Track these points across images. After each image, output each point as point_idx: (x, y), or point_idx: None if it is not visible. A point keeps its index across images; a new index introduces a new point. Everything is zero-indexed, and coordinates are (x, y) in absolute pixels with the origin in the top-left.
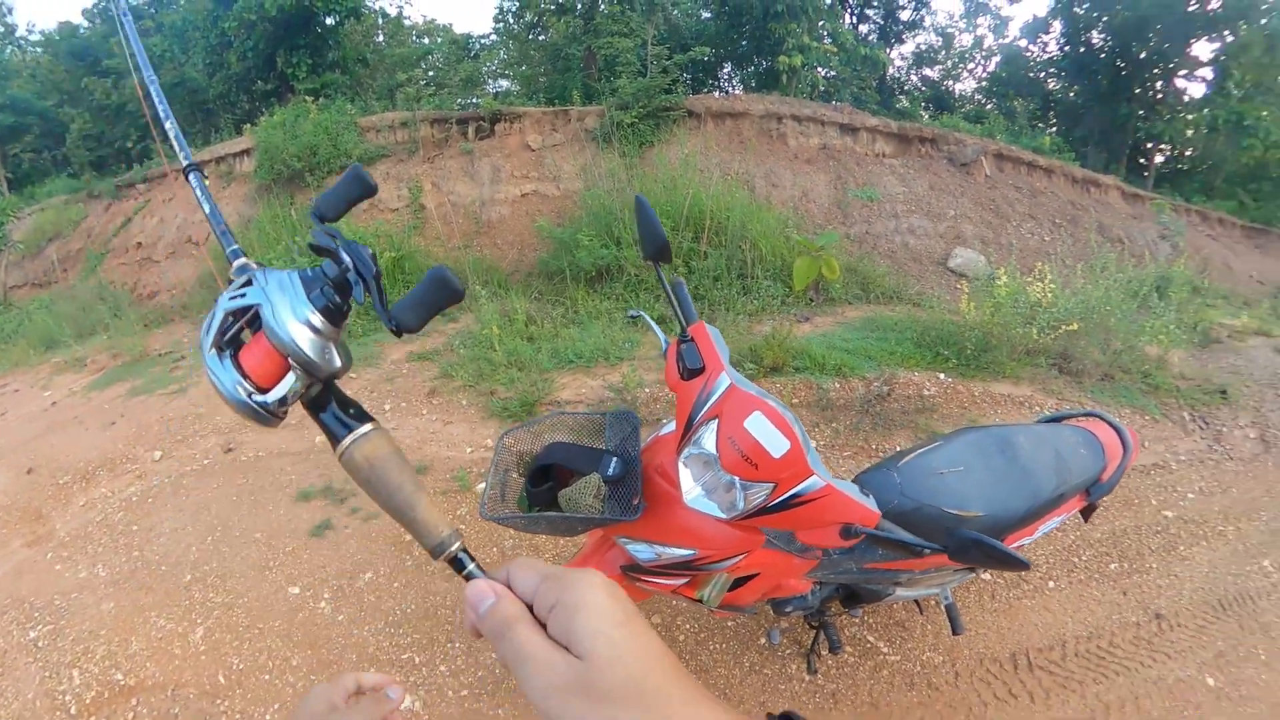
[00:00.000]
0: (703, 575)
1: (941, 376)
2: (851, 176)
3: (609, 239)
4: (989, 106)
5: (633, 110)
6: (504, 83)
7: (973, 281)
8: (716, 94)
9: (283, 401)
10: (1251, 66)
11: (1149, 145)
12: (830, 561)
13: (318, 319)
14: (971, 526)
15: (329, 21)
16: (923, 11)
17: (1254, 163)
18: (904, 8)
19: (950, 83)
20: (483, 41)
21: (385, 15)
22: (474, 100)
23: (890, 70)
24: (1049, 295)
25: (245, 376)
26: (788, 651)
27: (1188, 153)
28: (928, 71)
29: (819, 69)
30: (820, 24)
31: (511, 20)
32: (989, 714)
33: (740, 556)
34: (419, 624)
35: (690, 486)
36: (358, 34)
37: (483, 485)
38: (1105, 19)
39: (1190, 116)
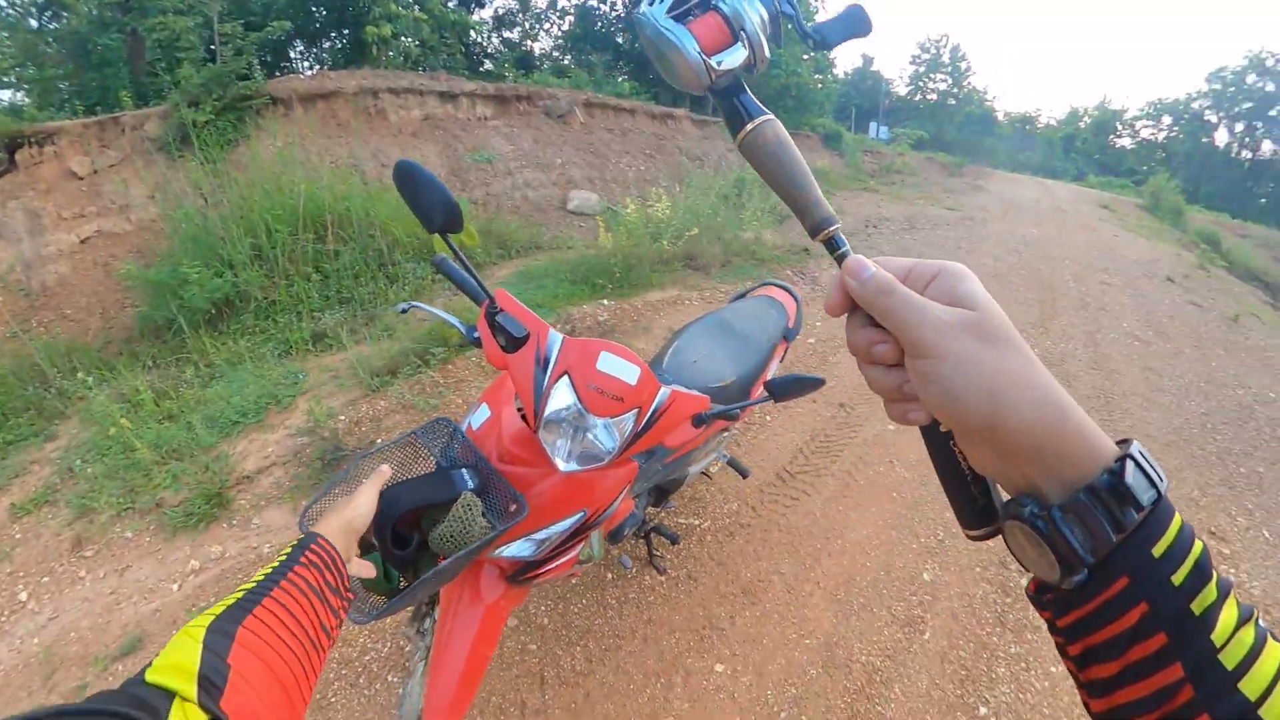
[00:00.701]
0: (586, 537)
1: (606, 302)
2: (460, 143)
3: (219, 264)
4: (568, 62)
5: (206, 105)
6: (6, 95)
7: (593, 217)
8: (303, 75)
9: (720, 68)
10: None
11: None
12: (643, 472)
13: (765, 14)
14: (732, 388)
15: None
16: None
17: (780, 86)
18: None
19: (530, 43)
20: None
21: None
22: None
23: (473, 35)
24: (667, 213)
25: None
26: (634, 570)
27: None
28: (509, 34)
29: (407, 38)
30: None
31: (5, 5)
32: (789, 519)
33: (625, 491)
34: None
35: (561, 451)
36: None
37: None
38: None
39: None
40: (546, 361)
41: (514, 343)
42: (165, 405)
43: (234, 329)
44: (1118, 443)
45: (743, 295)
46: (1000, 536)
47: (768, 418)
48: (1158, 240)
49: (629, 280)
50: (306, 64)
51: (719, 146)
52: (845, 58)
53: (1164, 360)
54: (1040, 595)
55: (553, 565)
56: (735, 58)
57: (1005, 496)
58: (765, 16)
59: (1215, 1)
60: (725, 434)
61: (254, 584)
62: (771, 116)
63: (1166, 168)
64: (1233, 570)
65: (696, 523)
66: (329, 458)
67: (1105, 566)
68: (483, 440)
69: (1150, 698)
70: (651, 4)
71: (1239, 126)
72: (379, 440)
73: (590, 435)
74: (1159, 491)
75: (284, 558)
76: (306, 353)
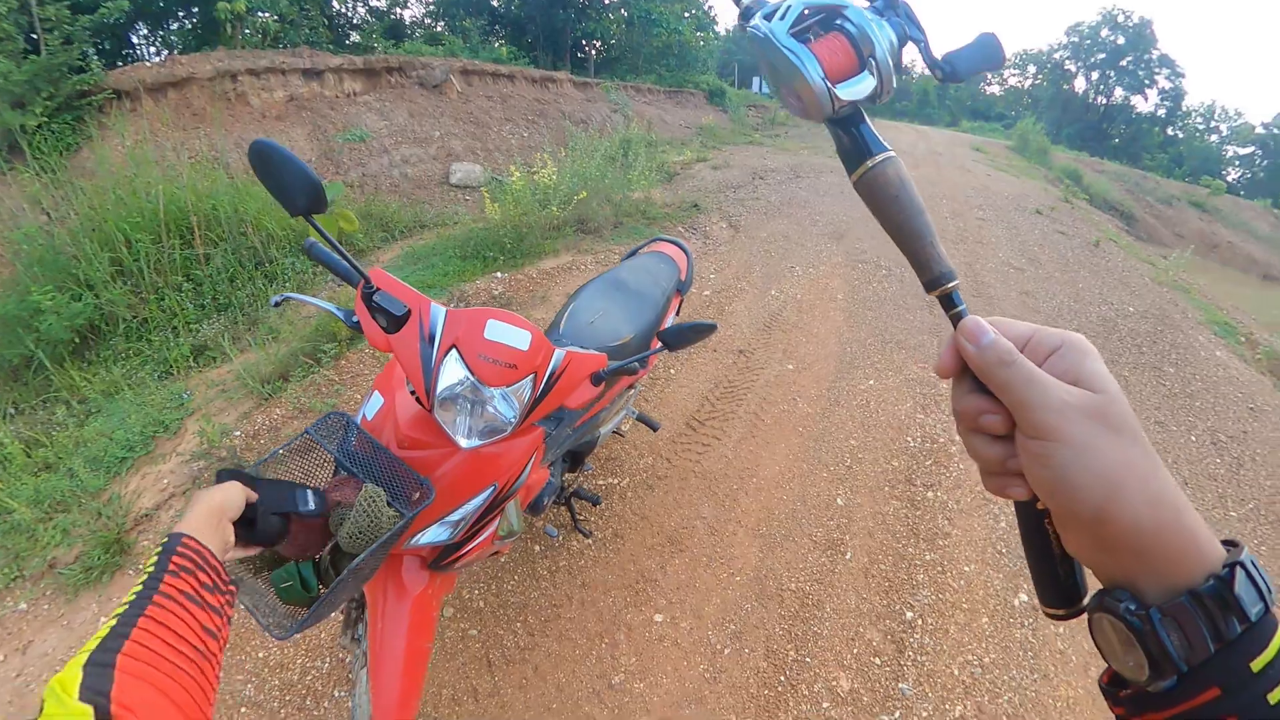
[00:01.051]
0: (501, 511)
1: (499, 275)
2: (330, 123)
3: (76, 285)
4: (441, 28)
5: (35, 106)
6: None
7: (478, 189)
8: (149, 62)
9: (845, 98)
10: None
11: (585, 42)
12: (553, 439)
13: (894, 38)
14: (630, 345)
15: None
16: None
17: (662, 45)
18: None
19: (399, 10)
20: None
21: None
22: None
23: (336, 5)
24: (553, 178)
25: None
26: (561, 539)
27: (614, 43)
28: (376, 2)
29: (264, 13)
30: None
31: None
32: (704, 464)
33: (533, 459)
34: None
35: (461, 428)
36: None
37: None
38: None
39: (613, 16)
40: (432, 337)
41: (395, 322)
42: (39, 454)
43: (104, 356)
44: (1224, 543)
45: (634, 253)
46: (1080, 617)
47: (671, 371)
48: (1026, 178)
49: (521, 250)
50: (152, 49)
51: (602, 109)
52: (725, 14)
53: (1037, 284)
54: (1114, 689)
55: (473, 545)
56: (863, 87)
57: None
58: (894, 41)
59: None
60: (631, 391)
61: (124, 607)
62: (893, 153)
63: (1032, 112)
64: None
65: (615, 481)
66: (230, 478)
67: (1196, 673)
68: (379, 429)
69: None
70: (769, 18)
71: (1094, 75)
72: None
73: (489, 407)
74: (1266, 604)
75: (150, 570)
76: (189, 369)
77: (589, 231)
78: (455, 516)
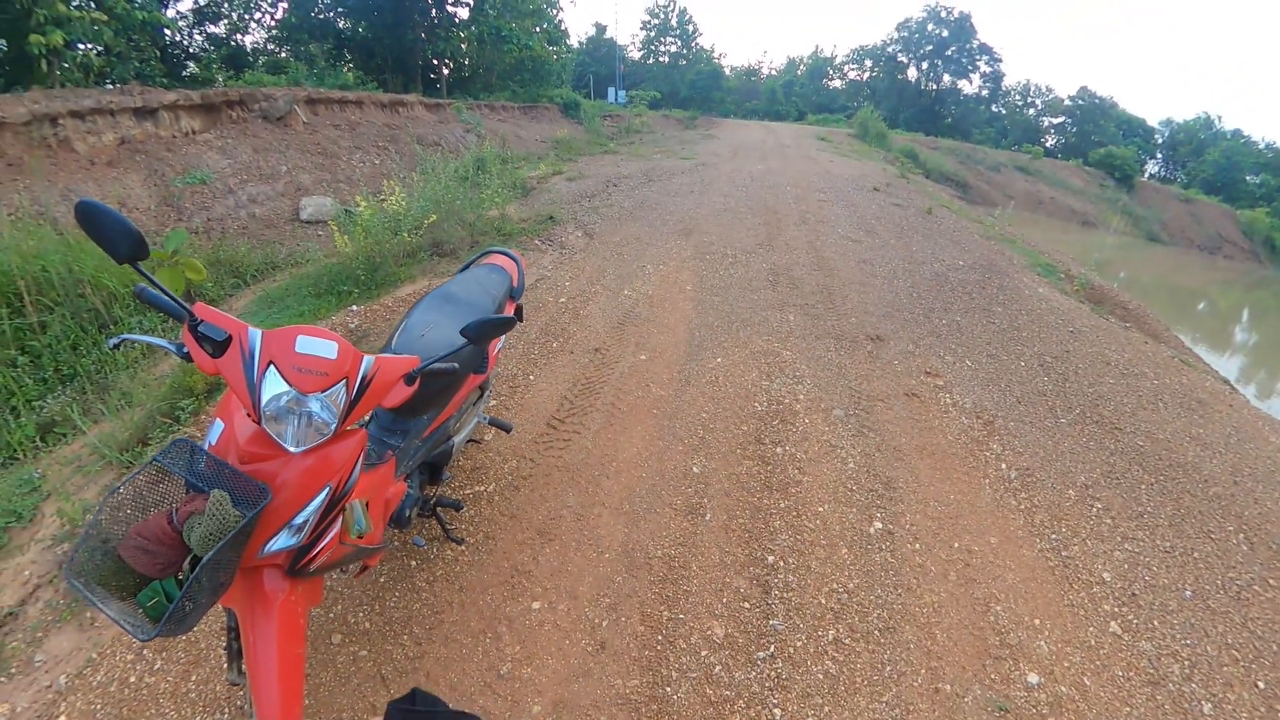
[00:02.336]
0: (341, 510)
1: (355, 308)
2: (168, 165)
3: None
4: (285, 55)
5: None
6: None
7: (332, 222)
8: None
9: None
10: None
11: (436, 62)
12: (403, 452)
13: None
14: (463, 353)
15: None
16: None
17: (514, 61)
18: None
19: (240, 37)
20: None
21: None
22: None
23: (169, 34)
24: (402, 204)
25: None
26: (434, 550)
27: (466, 62)
28: (213, 29)
29: (85, 46)
30: None
31: None
32: (565, 458)
33: (360, 459)
34: None
35: (289, 436)
36: None
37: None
38: None
39: (463, 34)
40: (252, 357)
41: (219, 347)
42: None
43: None
44: None
45: (467, 267)
46: None
47: (531, 377)
48: (866, 160)
49: (375, 280)
50: None
51: (455, 129)
52: (579, 27)
53: (874, 252)
54: None
55: (322, 545)
56: None
57: None
58: None
59: None
60: (481, 399)
61: None
62: None
63: (871, 101)
64: (948, 395)
65: (481, 489)
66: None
67: None
68: (224, 451)
69: None
70: None
71: (924, 65)
72: (127, 481)
73: (310, 414)
74: None
75: None
76: (36, 451)
77: (444, 254)
78: (298, 520)
